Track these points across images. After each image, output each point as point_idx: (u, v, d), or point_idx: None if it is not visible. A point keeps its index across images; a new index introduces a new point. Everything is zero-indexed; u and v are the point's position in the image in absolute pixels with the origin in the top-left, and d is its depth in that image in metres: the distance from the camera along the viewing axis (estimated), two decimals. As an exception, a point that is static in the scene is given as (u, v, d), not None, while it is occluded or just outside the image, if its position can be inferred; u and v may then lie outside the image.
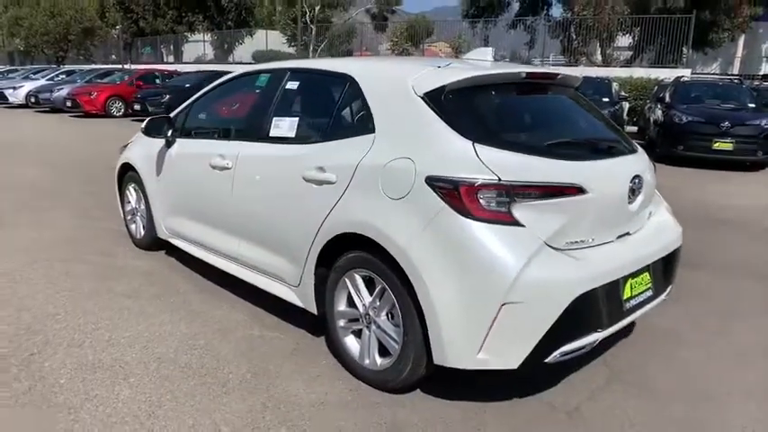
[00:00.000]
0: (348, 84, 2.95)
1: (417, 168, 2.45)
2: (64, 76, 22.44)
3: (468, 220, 2.32)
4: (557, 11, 28.56)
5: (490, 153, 2.41)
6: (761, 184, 9.14)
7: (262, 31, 36.72)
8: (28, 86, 20.58)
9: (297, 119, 3.20)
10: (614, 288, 2.54)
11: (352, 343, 2.86)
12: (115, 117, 17.17)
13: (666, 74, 18.87)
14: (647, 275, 2.76)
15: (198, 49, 39.32)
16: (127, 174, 4.83)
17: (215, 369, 2.90)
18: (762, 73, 28.07)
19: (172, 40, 38.74)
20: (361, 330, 2.81)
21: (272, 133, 3.28)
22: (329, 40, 32.28)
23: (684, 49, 23.73)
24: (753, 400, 2.75)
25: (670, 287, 3.02)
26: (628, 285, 2.63)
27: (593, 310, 2.44)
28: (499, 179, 2.34)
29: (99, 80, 18.96)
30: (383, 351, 2.70)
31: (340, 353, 2.90)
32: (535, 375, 2.79)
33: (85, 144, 12.03)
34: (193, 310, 3.61)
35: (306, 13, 29.62)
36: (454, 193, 2.34)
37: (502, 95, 2.79)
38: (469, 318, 2.33)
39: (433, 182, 2.40)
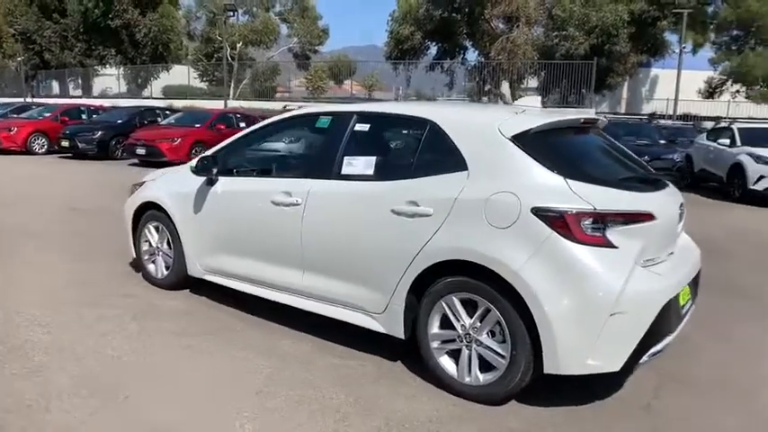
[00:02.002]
0: (429, 127, 3.27)
1: (522, 201, 2.82)
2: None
3: (574, 244, 2.71)
4: (472, 55, 30.52)
5: (579, 186, 2.84)
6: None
7: (179, 66, 36.07)
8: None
9: (373, 158, 3.46)
10: (676, 297, 3.01)
11: (447, 362, 3.11)
12: (37, 154, 16.10)
13: (573, 114, 20.80)
14: (687, 287, 3.28)
15: (108, 83, 37.78)
16: (146, 213, 4.78)
17: (318, 397, 3.03)
18: (644, 113, 31.32)
19: (80, 73, 36.95)
20: (456, 350, 3.08)
21: (345, 171, 3.51)
22: (252, 77, 32.35)
23: (584, 91, 26.31)
24: (777, 388, 3.31)
25: (696, 297, 3.57)
26: (681, 295, 3.12)
27: (670, 316, 2.89)
28: (594, 208, 2.76)
29: (16, 115, 17.73)
30: (483, 367, 2.98)
31: (436, 373, 3.14)
32: (593, 382, 3.18)
33: (24, 182, 11.26)
34: (257, 345, 3.67)
35: (223, 48, 29.55)
36: (560, 221, 2.73)
37: (568, 136, 3.26)
38: (581, 328, 2.69)
39: (539, 212, 2.77)
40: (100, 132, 15.34)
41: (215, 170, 4.15)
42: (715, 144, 12.35)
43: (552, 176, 2.87)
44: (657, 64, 30.45)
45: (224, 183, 4.14)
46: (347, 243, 3.43)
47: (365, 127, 3.60)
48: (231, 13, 27.30)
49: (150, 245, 4.82)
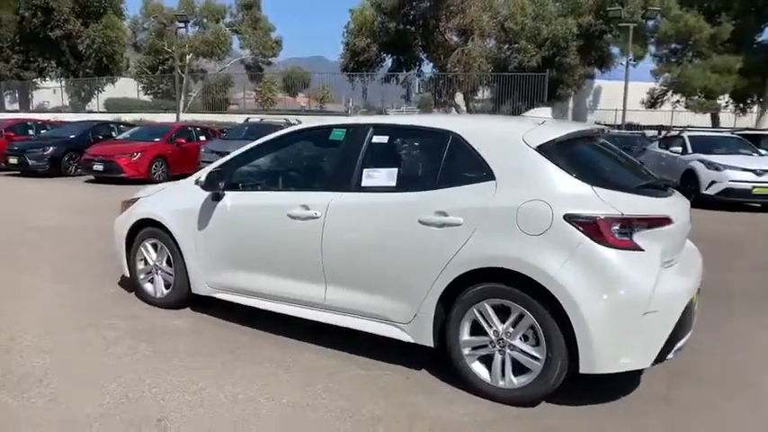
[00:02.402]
0: (451, 138, 3.36)
1: (554, 208, 2.93)
2: None
3: (606, 248, 2.84)
4: (427, 67, 31.09)
5: (604, 193, 2.98)
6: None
7: (125, 79, 35.03)
8: None
9: (395, 170, 3.51)
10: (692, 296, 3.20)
11: (479, 368, 3.18)
12: (-22, 172, 15.27)
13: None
14: None
15: (47, 97, 36.25)
16: (142, 231, 4.65)
17: (358, 408, 3.03)
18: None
19: (17, 86, 35.29)
20: (488, 355, 3.15)
21: (365, 183, 3.55)
22: (204, 89, 31.71)
23: (536, 102, 27.23)
24: (778, 377, 3.55)
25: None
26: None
27: (690, 313, 3.06)
28: (622, 214, 2.90)
29: (-45, 132, 16.74)
30: (517, 370, 3.07)
31: (469, 379, 3.20)
32: (613, 381, 3.32)
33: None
34: (279, 360, 3.63)
35: (170, 60, 28.80)
36: (593, 227, 2.86)
37: (583, 146, 3.41)
38: (616, 328, 2.82)
39: (572, 219, 2.89)
40: (52, 148, 14.70)
41: (222, 184, 4.09)
42: (667, 152, 13.02)
43: (579, 184, 3.00)
44: (604, 76, 31.86)
45: (233, 197, 4.08)
46: (372, 254, 3.45)
47: (383, 139, 3.65)
48: (182, 24, 26.71)
49: (146, 263, 4.69)
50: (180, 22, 26.50)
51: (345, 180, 3.63)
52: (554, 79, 26.63)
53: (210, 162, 13.28)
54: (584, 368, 2.88)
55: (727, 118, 32.47)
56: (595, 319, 2.81)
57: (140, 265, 4.73)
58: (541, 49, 25.78)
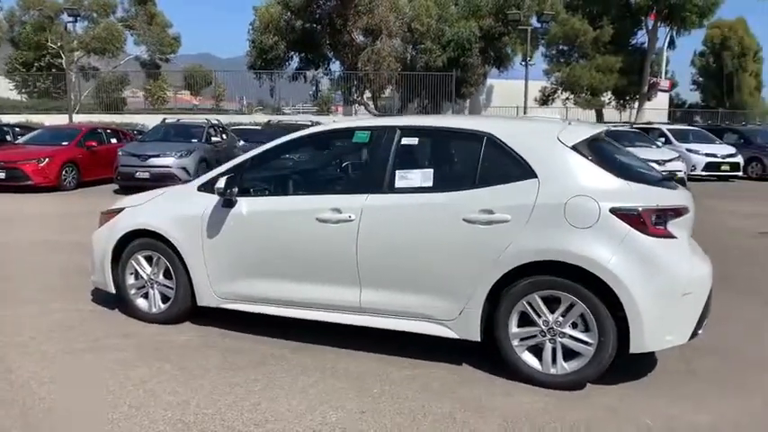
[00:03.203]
0: (486, 139, 3.48)
1: (600, 203, 3.15)
2: None
3: (649, 237, 3.11)
4: (335, 66, 31.00)
5: (637, 187, 3.26)
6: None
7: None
8: None
9: (430, 170, 3.57)
10: (708, 279, 3.57)
11: (529, 358, 3.34)
12: None
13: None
14: None
15: None
16: (132, 243, 4.32)
17: (426, 407, 3.06)
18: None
19: None
20: (536, 345, 3.32)
21: (399, 184, 3.58)
22: (97, 88, 29.30)
23: (441, 101, 28.28)
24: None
25: None
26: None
27: (711, 294, 3.42)
28: (657, 205, 3.19)
29: None
30: (567, 356, 3.26)
31: (519, 368, 3.34)
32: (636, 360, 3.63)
33: None
34: (320, 369, 3.55)
35: (47, 56, 26.06)
36: (637, 218, 3.11)
37: (601, 143, 3.67)
38: (662, 309, 3.10)
39: (618, 211, 3.12)
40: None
41: (235, 190, 3.91)
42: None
43: (615, 179, 3.25)
44: (502, 75, 33.65)
45: (249, 203, 3.92)
46: (413, 254, 3.49)
47: (413, 141, 3.69)
48: (72, 19, 24.52)
49: (138, 278, 4.37)
50: (69, 15, 24.27)
51: (377, 182, 3.63)
52: (459, 79, 27.71)
53: (132, 166, 12.50)
54: (635, 348, 3.13)
55: (610, 114, 35.58)
56: (645, 302, 3.06)
57: (130, 280, 4.39)
58: (446, 50, 26.71)
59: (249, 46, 28.60)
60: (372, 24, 26.48)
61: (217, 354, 3.79)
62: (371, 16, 26.26)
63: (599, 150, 3.44)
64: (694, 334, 3.25)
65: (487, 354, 3.53)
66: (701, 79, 47.80)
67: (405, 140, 3.68)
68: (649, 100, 34.21)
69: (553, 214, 3.21)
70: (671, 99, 42.81)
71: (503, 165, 3.44)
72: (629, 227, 3.11)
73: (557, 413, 3.02)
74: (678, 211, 3.30)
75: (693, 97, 49.15)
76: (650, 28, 33.12)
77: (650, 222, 3.14)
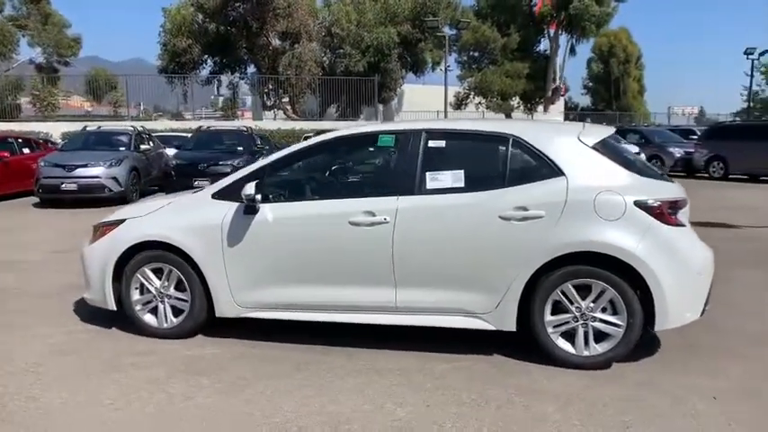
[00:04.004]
0: (512, 141, 3.70)
1: (625, 197, 3.47)
2: None
3: (668, 226, 3.48)
4: (252, 69, 30.24)
5: (650, 182, 3.63)
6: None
7: None
8: None
9: (461, 171, 3.73)
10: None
11: (563, 343, 3.60)
12: None
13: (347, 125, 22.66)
14: None
15: None
16: (138, 256, 4.12)
17: (482, 397, 3.22)
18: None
19: None
20: (568, 331, 3.59)
21: (430, 186, 3.72)
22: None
23: (361, 105, 28.59)
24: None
25: None
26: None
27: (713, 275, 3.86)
28: (669, 198, 3.57)
29: None
30: (597, 338, 3.56)
31: (556, 354, 3.58)
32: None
33: None
34: (362, 368, 3.61)
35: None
36: (658, 210, 3.47)
37: (612, 143, 4.02)
38: (682, 289, 3.47)
39: (641, 204, 3.46)
40: None
41: (260, 197, 3.85)
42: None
43: (632, 175, 3.60)
44: (419, 80, 34.54)
45: (274, 209, 3.88)
46: (450, 252, 3.64)
47: (440, 143, 3.84)
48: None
49: (144, 292, 4.18)
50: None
51: (408, 184, 3.74)
52: (379, 84, 28.14)
53: (56, 177, 11.60)
54: (659, 326, 3.47)
55: (518, 117, 37.58)
56: (669, 284, 3.42)
57: (135, 295, 4.18)
58: (365, 55, 27.03)
59: (161, 50, 27.27)
60: (292, 28, 26.25)
61: (249, 364, 3.72)
62: (291, 20, 26.03)
63: (613, 149, 3.79)
64: (704, 310, 3.65)
65: (507, 344, 3.78)
66: (590, 84, 51.81)
67: (432, 143, 3.82)
68: (553, 104, 36.57)
69: (584, 209, 3.49)
70: (565, 102, 45.97)
71: (530, 165, 3.68)
72: (651, 218, 3.46)
73: (600, 390, 3.29)
74: (683, 202, 3.70)
75: (585, 101, 53.24)
76: (552, 36, 35.43)
77: (667, 213, 3.51)
